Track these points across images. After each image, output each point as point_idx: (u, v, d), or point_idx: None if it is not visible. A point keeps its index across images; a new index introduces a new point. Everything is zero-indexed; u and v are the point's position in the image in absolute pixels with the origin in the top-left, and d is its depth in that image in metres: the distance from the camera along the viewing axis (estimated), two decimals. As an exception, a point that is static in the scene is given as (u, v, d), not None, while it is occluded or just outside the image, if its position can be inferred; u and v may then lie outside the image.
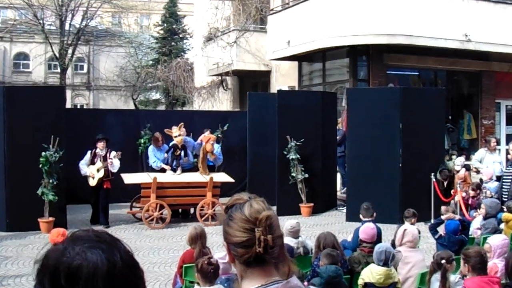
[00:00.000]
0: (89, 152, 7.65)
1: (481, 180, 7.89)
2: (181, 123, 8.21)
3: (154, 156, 8.50)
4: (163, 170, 8.21)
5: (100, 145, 7.60)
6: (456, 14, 10.35)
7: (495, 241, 4.13)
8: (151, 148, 8.66)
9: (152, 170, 8.43)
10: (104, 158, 7.56)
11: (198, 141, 8.63)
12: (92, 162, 7.59)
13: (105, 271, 0.84)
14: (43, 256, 0.88)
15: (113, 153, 7.61)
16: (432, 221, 7.57)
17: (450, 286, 3.67)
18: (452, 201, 7.63)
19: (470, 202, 7.05)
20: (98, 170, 7.52)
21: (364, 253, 4.23)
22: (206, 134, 8.47)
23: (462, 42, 10.43)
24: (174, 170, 8.19)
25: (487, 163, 8.11)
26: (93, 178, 7.53)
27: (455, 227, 4.91)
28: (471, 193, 6.96)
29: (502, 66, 11.79)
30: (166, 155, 8.26)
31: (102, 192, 7.61)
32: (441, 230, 5.15)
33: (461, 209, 6.95)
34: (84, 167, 7.62)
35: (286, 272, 1.19)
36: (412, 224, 5.01)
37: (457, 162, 8.00)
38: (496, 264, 3.89)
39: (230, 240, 1.19)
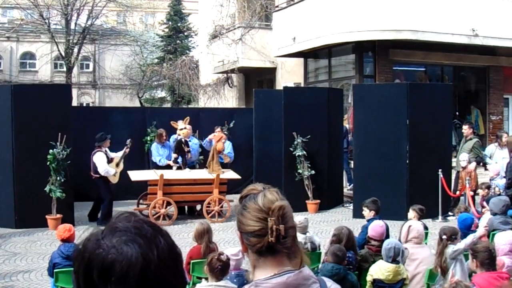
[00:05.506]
0: (101, 155, 7.44)
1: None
2: (187, 117, 8.21)
3: (158, 153, 8.51)
4: (168, 167, 8.20)
5: (107, 144, 7.59)
6: (463, 8, 10.25)
7: (502, 240, 4.07)
8: (154, 145, 8.67)
9: (156, 166, 8.43)
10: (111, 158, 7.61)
11: (208, 139, 8.64)
12: (108, 162, 7.53)
13: (138, 269, 0.78)
14: (81, 244, 0.84)
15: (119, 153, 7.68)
16: (440, 218, 7.55)
17: (446, 261, 3.67)
18: (461, 197, 7.58)
19: (479, 201, 6.97)
20: (117, 165, 7.55)
21: (372, 251, 4.20)
22: (217, 133, 8.47)
23: (469, 37, 10.34)
24: (180, 167, 8.20)
25: (496, 159, 8.02)
26: (114, 175, 7.55)
27: (467, 223, 4.85)
28: (480, 192, 6.86)
29: (510, 61, 11.68)
30: (175, 155, 8.08)
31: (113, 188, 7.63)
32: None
33: (469, 205, 6.90)
34: (109, 168, 7.44)
35: (298, 262, 1.19)
36: (419, 220, 4.97)
37: (462, 158, 7.87)
38: (501, 260, 3.84)
39: (243, 229, 1.19)
